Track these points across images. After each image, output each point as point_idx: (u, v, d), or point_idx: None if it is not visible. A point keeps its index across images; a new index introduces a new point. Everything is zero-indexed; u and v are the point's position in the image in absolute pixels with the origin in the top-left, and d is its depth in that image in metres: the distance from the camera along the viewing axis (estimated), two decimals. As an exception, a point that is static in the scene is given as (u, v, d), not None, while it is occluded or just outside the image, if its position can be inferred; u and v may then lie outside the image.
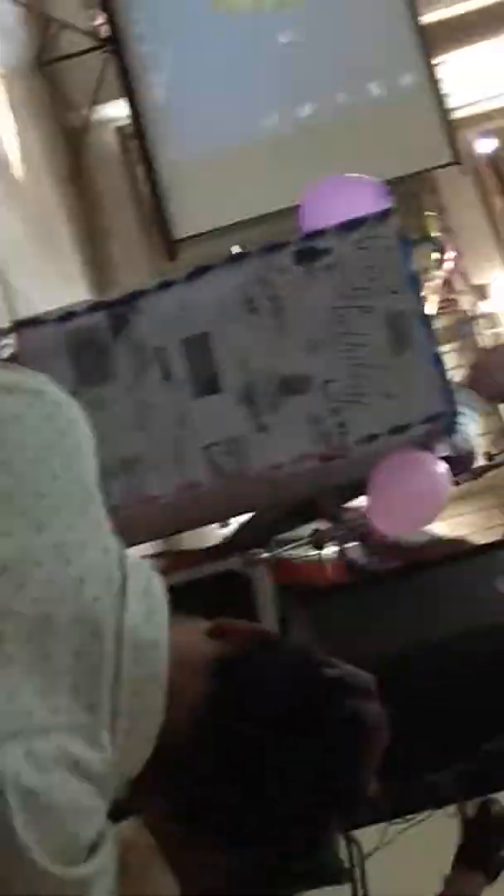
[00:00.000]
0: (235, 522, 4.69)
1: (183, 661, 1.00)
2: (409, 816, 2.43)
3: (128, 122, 5.32)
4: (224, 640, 1.06)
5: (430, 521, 3.26)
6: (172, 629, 1.00)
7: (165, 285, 3.01)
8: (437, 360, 2.94)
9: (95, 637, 0.94)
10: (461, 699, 2.25)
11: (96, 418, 3.13)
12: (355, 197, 3.14)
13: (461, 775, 2.23)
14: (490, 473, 4.27)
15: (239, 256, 3.00)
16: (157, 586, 1.03)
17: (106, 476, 3.06)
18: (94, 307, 3.05)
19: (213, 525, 4.49)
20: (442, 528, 4.99)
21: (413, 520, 3.24)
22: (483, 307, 5.28)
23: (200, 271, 3.00)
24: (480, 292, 5.26)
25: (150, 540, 3.61)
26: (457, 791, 2.32)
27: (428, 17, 5.48)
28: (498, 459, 3.76)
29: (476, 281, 5.10)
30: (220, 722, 1.01)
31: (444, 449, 3.17)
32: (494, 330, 5.29)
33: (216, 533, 4.84)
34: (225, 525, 4.65)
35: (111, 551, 1.01)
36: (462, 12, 5.64)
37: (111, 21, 5.20)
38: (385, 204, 3.04)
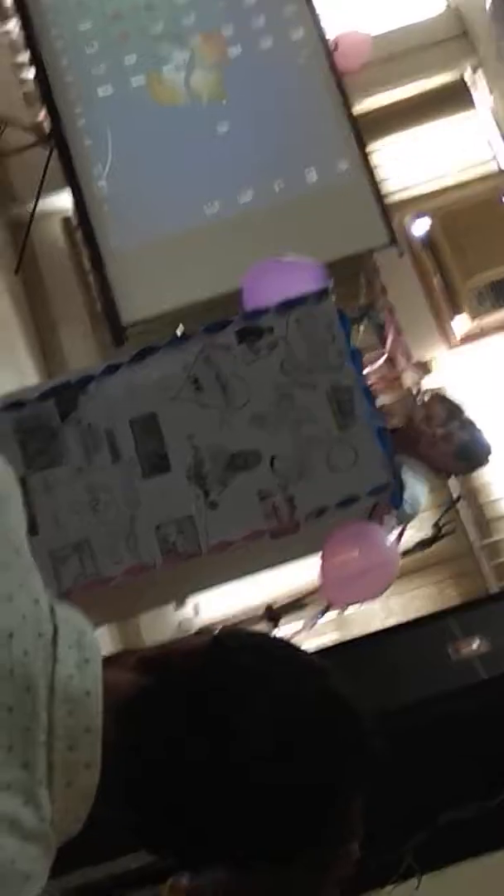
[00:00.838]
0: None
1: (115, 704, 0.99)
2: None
3: (72, 212, 5.42)
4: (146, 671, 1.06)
5: (380, 592, 3.29)
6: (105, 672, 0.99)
7: (111, 368, 3.05)
8: (382, 433, 2.99)
9: (28, 691, 0.93)
10: (418, 769, 2.25)
11: (46, 502, 3.15)
12: (294, 277, 3.22)
13: (421, 848, 2.22)
14: (441, 545, 4.35)
15: (183, 337, 3.04)
16: (90, 636, 1.02)
17: (57, 560, 3.05)
18: (42, 394, 3.07)
19: (169, 607, 4.48)
20: (398, 602, 5.02)
21: (364, 592, 3.26)
22: (426, 383, 5.37)
23: (145, 353, 3.05)
24: (423, 369, 5.36)
25: (104, 623, 3.59)
26: (418, 864, 2.30)
27: (361, 106, 5.69)
28: (447, 530, 3.83)
29: (418, 358, 5.21)
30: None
31: (391, 520, 3.21)
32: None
33: (172, 618, 4.82)
34: (180, 606, 4.63)
35: (41, 603, 1.00)
36: (393, 101, 5.86)
37: (53, 116, 5.33)
38: (323, 283, 3.12)
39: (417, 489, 3.45)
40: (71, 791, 0.94)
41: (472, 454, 3.67)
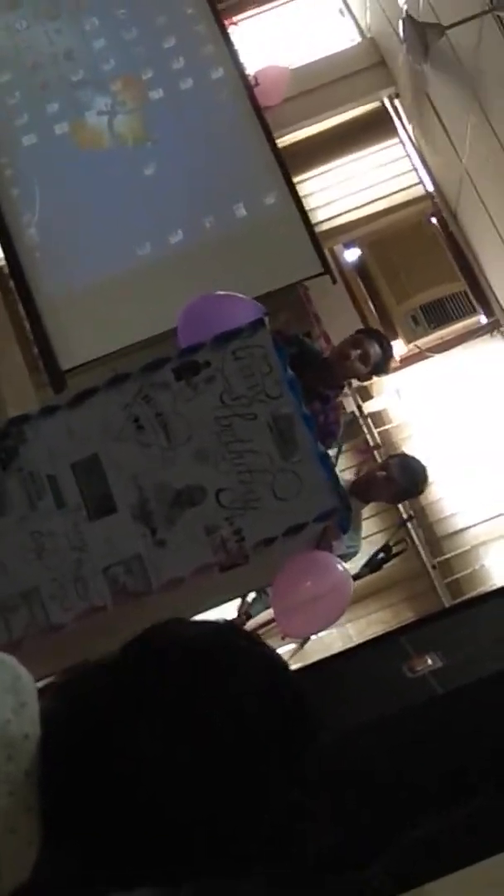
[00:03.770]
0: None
1: None
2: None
3: (3, 262, 5.42)
4: None
5: (335, 620, 3.29)
6: None
7: (49, 410, 3.03)
8: (324, 459, 3.00)
9: None
10: (382, 786, 2.24)
11: (-9, 552, 3.07)
12: (228, 311, 3.24)
13: (391, 866, 2.20)
14: (393, 567, 4.37)
15: (121, 377, 3.03)
16: (25, 679, 1.01)
17: (6, 609, 3.00)
18: (-21, 442, 3.05)
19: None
20: (355, 628, 5.02)
21: (319, 621, 3.26)
22: (368, 407, 5.42)
23: (84, 395, 3.04)
24: (364, 393, 5.40)
25: (57, 670, 3.54)
26: (390, 884, 2.29)
27: (285, 139, 5.76)
28: (398, 549, 3.85)
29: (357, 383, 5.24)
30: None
31: (341, 544, 3.22)
32: (382, 428, 5.42)
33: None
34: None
35: None
36: (317, 131, 5.93)
37: (-21, 168, 5.35)
38: (256, 315, 3.13)
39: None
40: (15, 838, 0.92)
41: (409, 493, 3.94)
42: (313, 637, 4.45)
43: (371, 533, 4.71)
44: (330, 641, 4.74)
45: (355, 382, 4.78)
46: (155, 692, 0.96)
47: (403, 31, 4.92)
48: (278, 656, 1.08)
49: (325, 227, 5.68)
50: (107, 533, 2.93)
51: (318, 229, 5.48)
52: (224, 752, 0.95)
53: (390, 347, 4.13)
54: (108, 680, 1.00)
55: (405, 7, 4.94)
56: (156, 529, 2.92)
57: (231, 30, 5.85)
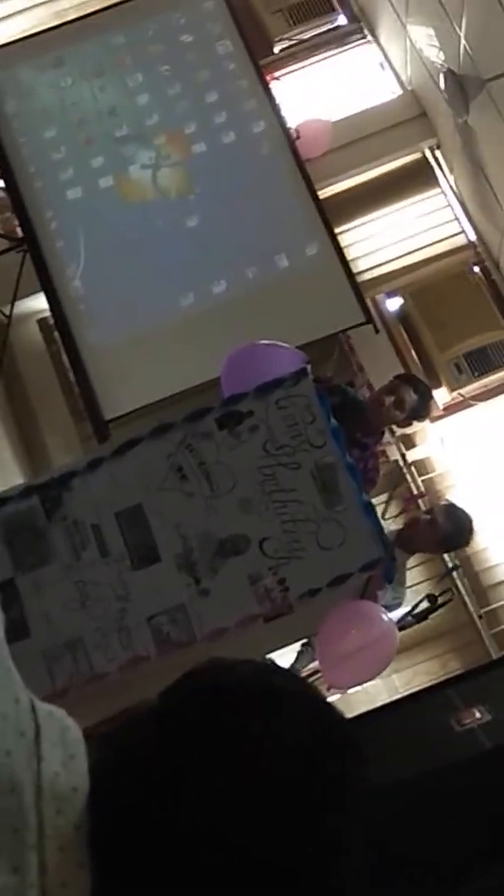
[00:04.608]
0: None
1: None
2: None
3: (49, 313, 5.48)
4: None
5: (381, 670, 3.25)
6: None
7: (95, 463, 3.05)
8: (369, 508, 2.99)
9: (13, 792, 0.91)
10: (428, 841, 2.20)
11: (37, 602, 3.11)
12: (271, 360, 3.25)
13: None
14: (440, 617, 4.32)
15: (164, 427, 3.05)
16: (73, 731, 1.00)
17: (50, 659, 3.01)
18: (26, 491, 3.07)
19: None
20: (401, 679, 4.96)
21: (365, 672, 3.23)
22: (412, 456, 5.39)
23: (128, 445, 3.06)
24: (408, 442, 5.39)
25: (100, 720, 3.53)
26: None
27: (327, 191, 5.81)
28: (444, 599, 3.81)
29: (401, 431, 5.22)
30: None
31: (386, 594, 3.20)
32: (426, 476, 5.39)
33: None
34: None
35: (21, 702, 0.98)
36: (358, 183, 5.98)
37: (25, 222, 5.43)
38: (299, 363, 3.14)
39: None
40: (67, 892, 0.91)
41: (454, 541, 3.91)
42: (358, 688, 4.40)
43: (416, 582, 4.67)
44: (375, 693, 4.68)
45: (398, 430, 4.77)
46: (200, 739, 0.95)
47: (444, 84, 4.97)
48: (320, 693, 1.06)
49: (367, 276, 5.70)
50: (151, 582, 2.93)
51: (360, 279, 5.50)
52: (275, 795, 0.93)
53: (428, 392, 4.12)
54: (153, 728, 0.99)
55: (444, 62, 4.99)
56: (200, 579, 2.91)
57: (273, 84, 5.92)
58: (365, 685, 4.49)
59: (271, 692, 0.99)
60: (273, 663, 1.10)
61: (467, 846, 2.26)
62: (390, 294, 5.73)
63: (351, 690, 4.44)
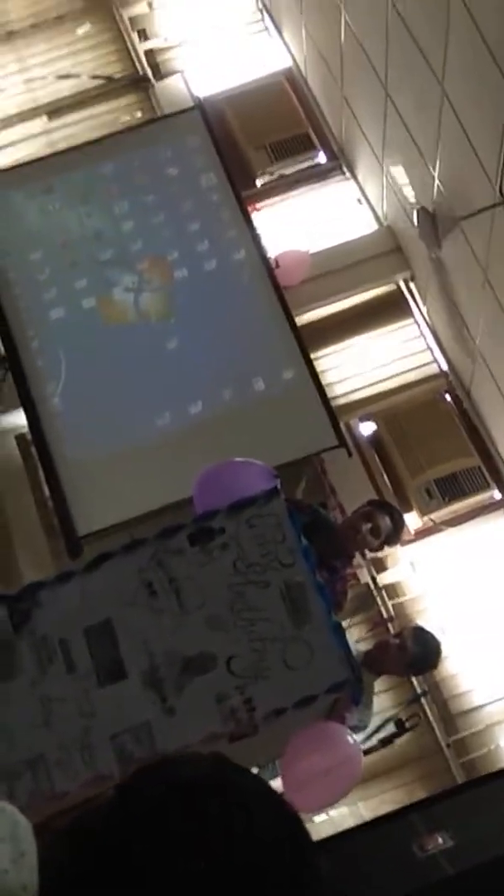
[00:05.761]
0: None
1: None
2: None
3: (27, 429, 5.54)
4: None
5: (346, 793, 3.21)
6: None
7: (65, 577, 3.06)
8: (337, 629, 3.00)
9: None
10: None
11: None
12: (243, 479, 3.30)
13: None
14: (407, 744, 4.27)
15: (136, 542, 3.07)
16: (24, 827, 1.00)
17: (10, 776, 2.96)
18: (-7, 603, 3.06)
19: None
20: (367, 807, 4.87)
21: (329, 795, 3.19)
22: (383, 579, 5.41)
23: (99, 560, 3.07)
24: (378, 565, 5.41)
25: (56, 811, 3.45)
26: None
27: (304, 318, 5.97)
28: (411, 724, 3.78)
29: (372, 554, 5.25)
30: None
31: (353, 716, 3.18)
32: (396, 600, 5.39)
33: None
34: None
35: None
36: (335, 311, 6.15)
37: (7, 341, 5.55)
38: (270, 481, 3.19)
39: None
40: None
41: (422, 664, 3.88)
42: (324, 816, 4.33)
43: (383, 709, 4.62)
44: (341, 820, 4.59)
45: (369, 553, 4.80)
46: (154, 840, 0.96)
47: (417, 220, 5.17)
48: (272, 789, 1.07)
49: (342, 401, 5.81)
50: (116, 699, 2.91)
51: (334, 404, 5.61)
52: (232, 890, 0.93)
53: (401, 518, 4.16)
54: (104, 827, 0.99)
55: (418, 199, 5.20)
56: (166, 697, 2.90)
57: (254, 215, 6.14)
58: (330, 813, 4.42)
59: (223, 791, 1.00)
60: (218, 756, 1.11)
61: None
62: (364, 419, 5.83)
63: (316, 819, 4.36)
